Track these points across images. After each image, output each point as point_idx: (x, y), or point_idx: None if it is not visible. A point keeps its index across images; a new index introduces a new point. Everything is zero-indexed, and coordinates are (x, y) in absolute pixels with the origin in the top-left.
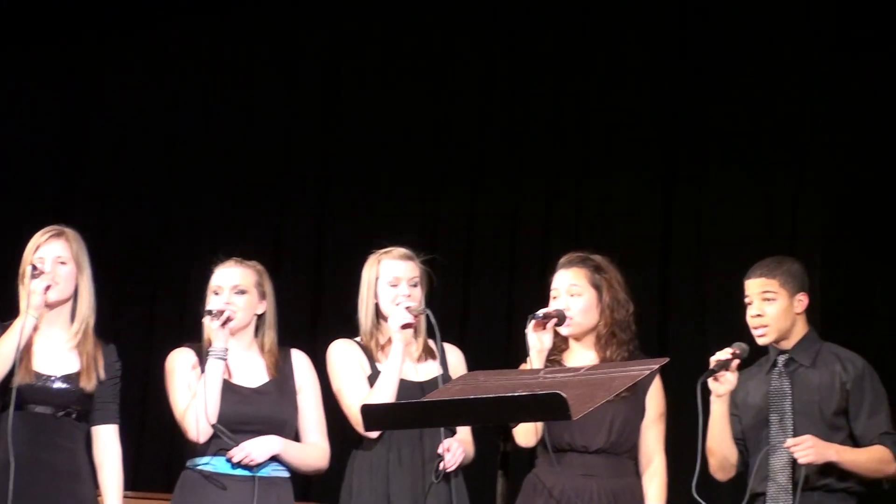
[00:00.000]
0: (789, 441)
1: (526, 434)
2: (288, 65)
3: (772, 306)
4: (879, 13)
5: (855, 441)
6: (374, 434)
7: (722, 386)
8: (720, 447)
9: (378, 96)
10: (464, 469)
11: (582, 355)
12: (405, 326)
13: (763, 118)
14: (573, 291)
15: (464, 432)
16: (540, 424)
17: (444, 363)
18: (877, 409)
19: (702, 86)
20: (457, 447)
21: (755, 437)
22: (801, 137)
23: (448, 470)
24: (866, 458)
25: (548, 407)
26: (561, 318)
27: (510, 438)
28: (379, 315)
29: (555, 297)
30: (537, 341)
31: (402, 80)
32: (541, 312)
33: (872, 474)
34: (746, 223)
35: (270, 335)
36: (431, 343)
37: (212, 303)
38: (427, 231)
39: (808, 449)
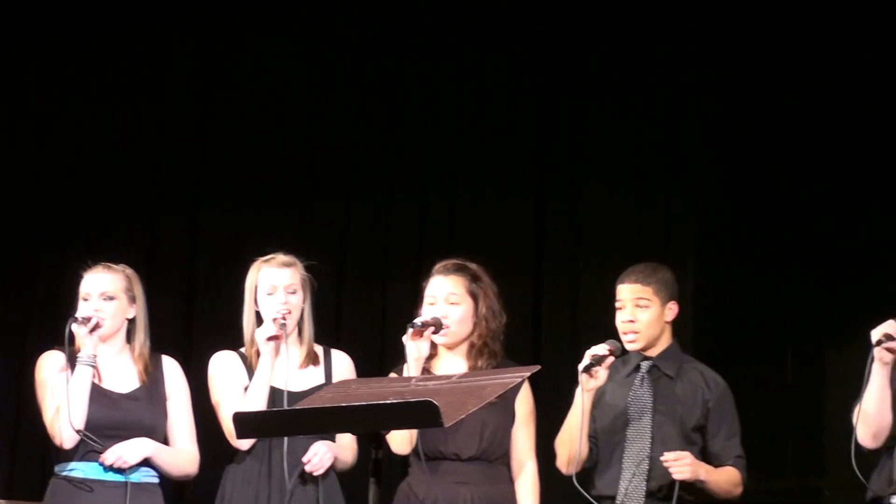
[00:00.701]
0: (669, 455)
1: (400, 442)
2: (159, 69)
3: (644, 313)
4: (751, 21)
5: (706, 457)
6: (245, 445)
7: (594, 381)
8: (576, 441)
9: (251, 101)
10: (344, 475)
11: (452, 364)
12: (270, 339)
13: (635, 126)
14: (451, 300)
15: (345, 438)
16: (414, 432)
17: (328, 372)
18: (734, 432)
19: (574, 92)
20: (324, 452)
21: (609, 439)
22: (673, 146)
23: (315, 474)
24: (725, 481)
25: (419, 414)
26: (438, 325)
27: (382, 446)
28: (261, 324)
29: (431, 304)
30: (415, 349)
31: (274, 84)
32: (419, 321)
33: (724, 495)
34: (619, 231)
35: (141, 340)
36: (319, 349)
37: (80, 309)
38: (301, 236)
39: (686, 466)
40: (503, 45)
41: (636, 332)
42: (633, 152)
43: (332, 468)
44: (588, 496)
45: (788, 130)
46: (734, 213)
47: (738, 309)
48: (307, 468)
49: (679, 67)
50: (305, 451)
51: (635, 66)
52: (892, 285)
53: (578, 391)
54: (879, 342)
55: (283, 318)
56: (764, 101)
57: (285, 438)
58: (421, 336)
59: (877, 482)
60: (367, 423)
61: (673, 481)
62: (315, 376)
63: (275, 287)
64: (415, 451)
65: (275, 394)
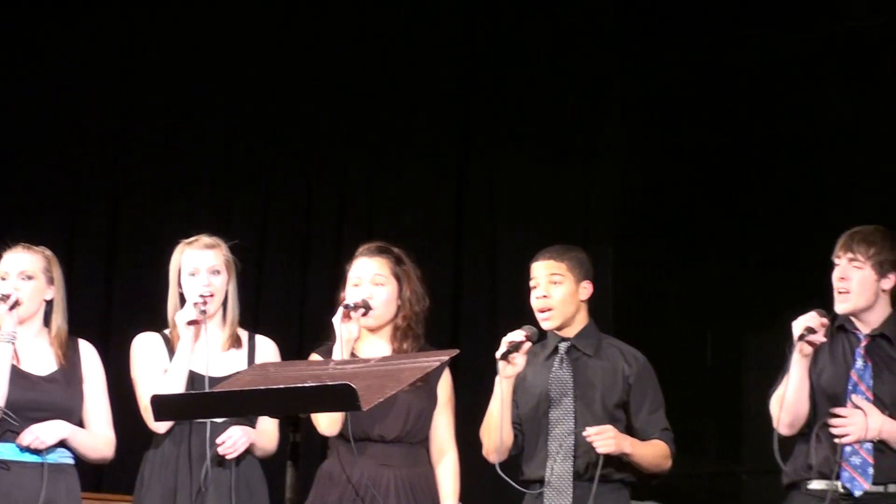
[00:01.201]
0: (591, 430)
1: (330, 423)
2: (78, 51)
3: (558, 289)
4: (673, 9)
5: (631, 433)
6: (162, 428)
7: (512, 367)
8: (499, 429)
9: (170, 84)
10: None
11: (376, 346)
12: (190, 323)
13: (555, 109)
14: (377, 281)
15: (266, 424)
16: (342, 414)
17: (251, 355)
18: (657, 406)
19: (494, 74)
20: (238, 436)
21: (534, 423)
22: (593, 130)
23: (228, 457)
24: (651, 453)
25: (338, 398)
26: (367, 307)
27: (300, 429)
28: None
29: (356, 286)
30: (346, 331)
31: (193, 68)
32: (350, 302)
33: (653, 469)
34: (539, 215)
35: (58, 322)
36: (244, 334)
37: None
38: (221, 218)
39: (609, 439)
40: (423, 29)
41: (550, 309)
42: (553, 136)
43: (250, 453)
44: (511, 482)
45: (709, 115)
46: (654, 197)
47: (658, 293)
48: (220, 451)
49: (599, 50)
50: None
51: (555, 49)
52: (810, 270)
53: (498, 379)
54: (801, 336)
55: (204, 303)
56: (683, 85)
57: (207, 422)
58: (350, 318)
59: (793, 467)
60: (285, 406)
61: (598, 461)
62: (238, 360)
63: (197, 269)
64: (342, 432)
65: (195, 378)
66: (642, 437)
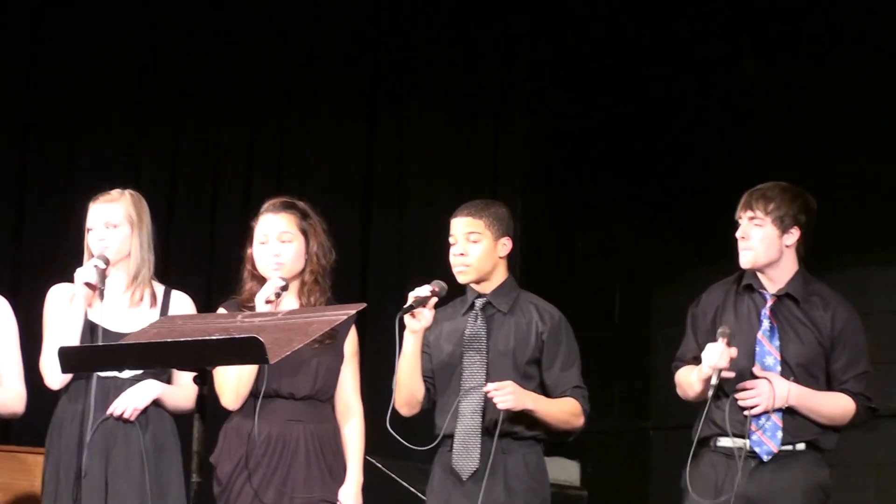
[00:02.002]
0: (490, 385)
1: (235, 399)
2: None
3: (476, 247)
4: None
5: (545, 391)
6: (56, 384)
7: (418, 322)
8: (408, 383)
9: (80, 35)
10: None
11: (284, 301)
12: (87, 285)
13: (465, 68)
14: (284, 238)
15: (182, 379)
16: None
17: (165, 312)
18: (570, 363)
19: (405, 32)
20: (131, 396)
21: (445, 378)
22: (501, 87)
23: (125, 417)
24: (559, 410)
25: (245, 351)
26: (285, 289)
27: (207, 382)
28: None
29: (263, 243)
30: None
31: (104, 18)
32: (272, 296)
33: (562, 425)
34: (448, 172)
35: None
36: (160, 289)
37: None
38: (130, 170)
39: (508, 395)
40: None
41: (467, 266)
42: (462, 93)
43: (163, 409)
44: (400, 439)
45: (618, 73)
46: (563, 154)
47: (567, 250)
48: (110, 410)
49: (509, 9)
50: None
51: (466, 7)
52: (718, 228)
53: (406, 333)
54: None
55: (106, 262)
56: (592, 43)
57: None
58: (273, 300)
59: (703, 424)
60: (193, 359)
61: (511, 416)
62: (150, 317)
63: (96, 223)
64: (252, 388)
65: (102, 332)
66: (554, 394)
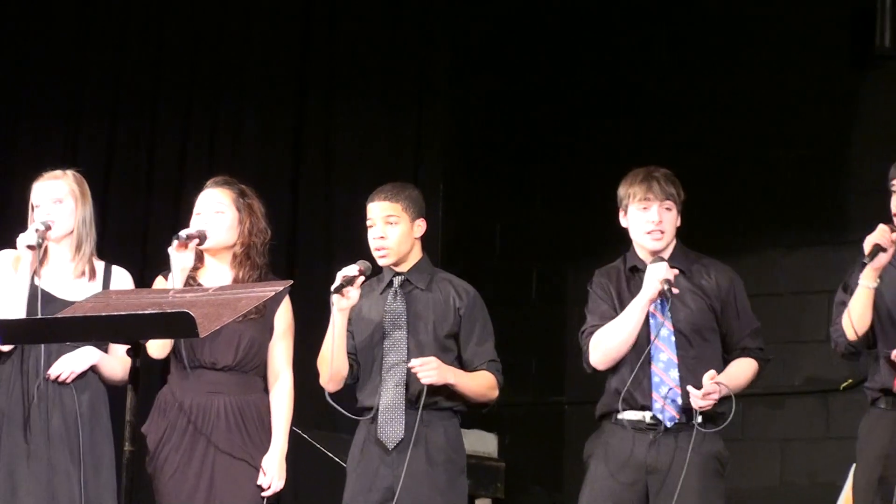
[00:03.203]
0: (414, 361)
1: (158, 348)
2: None
3: (394, 229)
4: None
5: (462, 363)
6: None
7: (346, 300)
8: (336, 359)
9: (17, 18)
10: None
11: (217, 273)
12: (29, 247)
13: (389, 52)
14: (217, 209)
15: (119, 351)
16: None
17: (106, 287)
18: (485, 337)
19: (333, 18)
20: (68, 362)
21: (368, 353)
22: (425, 74)
23: (61, 379)
24: (476, 383)
25: (176, 325)
26: (202, 238)
27: (140, 355)
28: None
29: (198, 214)
30: (180, 260)
31: (42, 2)
32: (184, 233)
33: (479, 398)
34: (373, 155)
35: None
36: (100, 265)
37: None
38: (67, 152)
39: (432, 370)
40: None
41: (387, 248)
42: (386, 79)
43: (100, 378)
44: (340, 409)
45: (537, 62)
46: (482, 139)
47: (486, 231)
48: (50, 372)
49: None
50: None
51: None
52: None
53: (333, 311)
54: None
55: (47, 228)
56: (513, 32)
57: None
58: (186, 248)
59: (605, 399)
60: (125, 333)
61: (429, 390)
62: (92, 290)
63: (42, 199)
64: (177, 360)
65: (49, 299)
66: (470, 367)
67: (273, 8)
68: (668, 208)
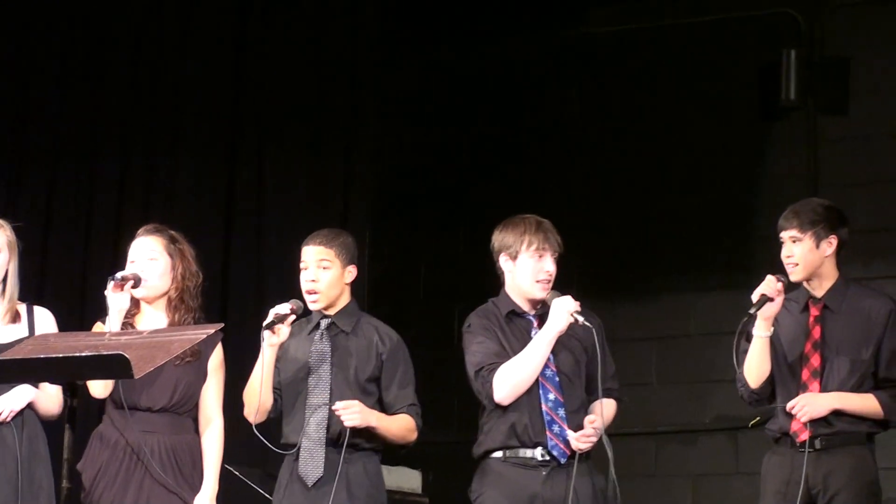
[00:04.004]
0: (338, 404)
1: (102, 389)
2: None
3: (326, 274)
4: (425, 15)
5: (383, 406)
6: None
7: (276, 337)
8: (262, 392)
9: None
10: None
11: (153, 318)
12: None
13: (317, 101)
14: (151, 256)
15: (50, 388)
16: (113, 382)
17: (31, 327)
18: (406, 382)
19: (261, 72)
20: (5, 402)
21: (292, 391)
22: (352, 126)
23: (1, 418)
24: (397, 426)
25: (112, 366)
26: (137, 280)
27: (77, 395)
28: None
29: (132, 262)
30: (117, 302)
31: None
32: (119, 275)
33: (398, 440)
34: (303, 202)
35: None
36: (22, 307)
37: None
38: (12, 196)
39: (355, 414)
40: (196, 29)
41: (318, 292)
42: (315, 129)
43: (36, 415)
44: (266, 442)
45: (456, 112)
46: (407, 184)
47: (411, 274)
48: None
49: (357, 49)
50: None
51: (318, 45)
52: None
53: (263, 346)
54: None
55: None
56: (434, 85)
57: None
58: (122, 289)
59: (490, 436)
60: (64, 374)
61: (351, 431)
62: (19, 332)
63: None
64: (114, 400)
65: None
66: (391, 410)
67: (206, 58)
68: (555, 259)
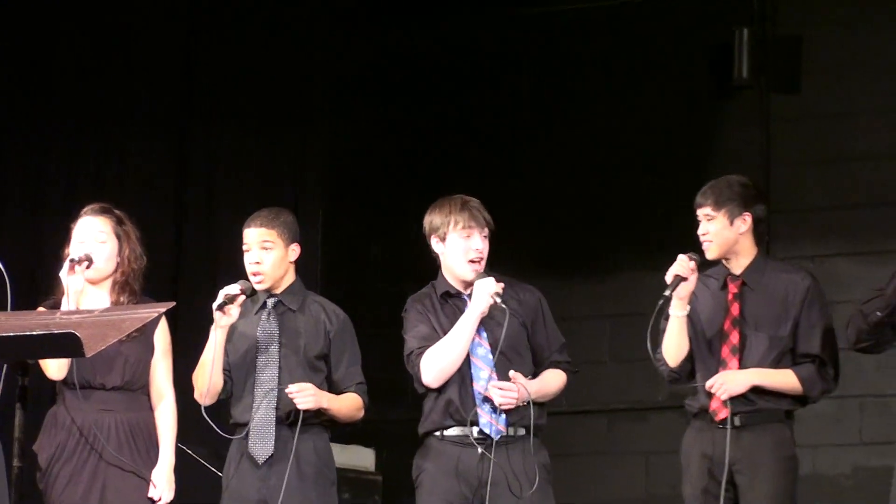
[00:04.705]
0: (292, 387)
1: (58, 369)
2: None
3: (269, 254)
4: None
5: (331, 384)
6: None
7: (227, 317)
8: (213, 374)
9: None
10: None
11: (97, 299)
12: None
13: (270, 81)
14: (99, 238)
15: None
16: (68, 361)
17: None
18: (354, 361)
19: (213, 49)
20: None
21: (241, 371)
22: (305, 104)
23: None
24: (346, 406)
25: (63, 345)
26: (90, 261)
27: (28, 374)
28: None
29: (81, 243)
30: (73, 283)
31: None
32: (75, 256)
33: (347, 419)
34: (255, 181)
35: None
36: None
37: None
38: None
39: (309, 396)
40: (146, 6)
41: (262, 273)
42: (267, 108)
43: None
44: (213, 425)
45: (410, 90)
46: (360, 164)
47: (363, 253)
48: None
49: (310, 28)
50: None
51: (270, 25)
52: (498, 235)
53: (213, 327)
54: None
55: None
56: (389, 62)
57: None
58: (74, 271)
59: (429, 417)
60: (14, 353)
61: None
62: None
63: None
64: (66, 380)
65: None
66: (339, 388)
67: (156, 38)
68: (486, 236)
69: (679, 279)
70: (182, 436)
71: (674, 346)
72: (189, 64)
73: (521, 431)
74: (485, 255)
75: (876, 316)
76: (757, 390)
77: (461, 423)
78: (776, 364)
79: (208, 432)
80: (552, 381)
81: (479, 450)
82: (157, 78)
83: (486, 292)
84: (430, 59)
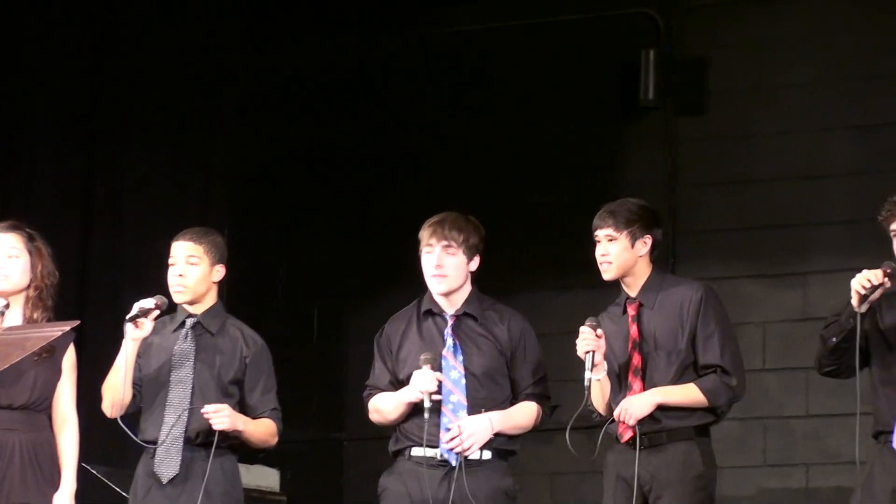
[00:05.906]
0: (209, 407)
1: None
2: None
3: (194, 269)
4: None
5: (243, 409)
6: None
7: (139, 331)
8: (121, 386)
9: None
10: None
11: (10, 315)
12: None
13: (177, 96)
14: (11, 254)
15: None
16: None
17: None
18: (269, 387)
19: (120, 64)
20: None
21: (153, 387)
22: (212, 122)
23: None
24: (261, 431)
25: None
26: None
27: None
28: None
29: None
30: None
31: None
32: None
33: (261, 444)
34: (162, 199)
35: None
36: None
37: None
38: None
39: (224, 417)
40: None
41: (184, 287)
42: (175, 124)
43: None
44: (131, 434)
45: (318, 109)
46: (267, 182)
47: (270, 273)
48: None
49: (218, 43)
50: None
51: (177, 39)
52: (406, 255)
53: (126, 340)
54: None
55: None
56: (297, 80)
57: None
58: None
59: (398, 436)
60: None
61: (210, 428)
62: None
63: None
64: None
65: None
66: (254, 414)
67: (63, 51)
68: (450, 253)
69: (591, 354)
70: (85, 455)
71: (598, 398)
72: (95, 77)
73: (488, 455)
74: (448, 272)
75: (832, 342)
76: (663, 408)
77: (428, 445)
78: (679, 379)
79: (113, 451)
80: (520, 414)
81: (441, 472)
82: (63, 92)
83: (417, 387)
84: (342, 75)
